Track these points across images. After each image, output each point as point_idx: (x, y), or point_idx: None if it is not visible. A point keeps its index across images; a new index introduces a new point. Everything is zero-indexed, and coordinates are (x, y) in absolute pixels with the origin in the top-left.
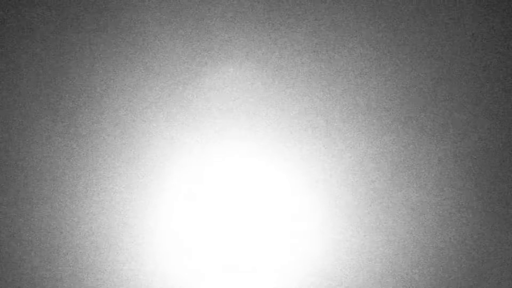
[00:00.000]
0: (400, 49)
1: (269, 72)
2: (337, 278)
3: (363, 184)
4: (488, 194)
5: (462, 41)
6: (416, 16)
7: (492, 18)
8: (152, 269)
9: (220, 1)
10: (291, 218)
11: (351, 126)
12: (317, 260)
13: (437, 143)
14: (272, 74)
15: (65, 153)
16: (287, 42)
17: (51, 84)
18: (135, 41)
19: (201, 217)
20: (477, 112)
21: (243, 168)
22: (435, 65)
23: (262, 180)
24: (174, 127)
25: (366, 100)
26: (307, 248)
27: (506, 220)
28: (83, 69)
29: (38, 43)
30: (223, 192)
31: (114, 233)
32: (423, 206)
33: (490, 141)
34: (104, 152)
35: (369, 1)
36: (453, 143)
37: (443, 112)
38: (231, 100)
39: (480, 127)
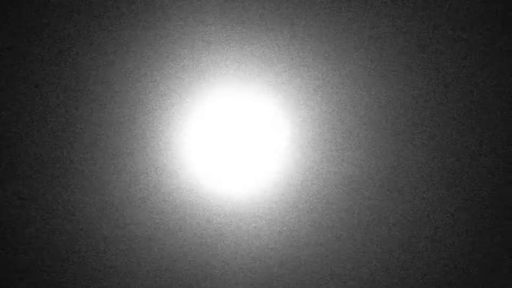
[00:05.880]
0: (404, 52)
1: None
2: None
3: (364, 186)
4: (487, 195)
5: (466, 49)
6: (425, 20)
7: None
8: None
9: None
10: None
11: (354, 128)
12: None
13: (438, 145)
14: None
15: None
16: (293, 45)
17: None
18: None
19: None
20: (479, 115)
21: None
22: (443, 69)
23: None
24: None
25: (369, 102)
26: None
27: (506, 220)
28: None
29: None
30: None
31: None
32: (423, 206)
33: (491, 144)
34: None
35: (379, 4)
36: (455, 145)
37: (444, 114)
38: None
39: (482, 130)
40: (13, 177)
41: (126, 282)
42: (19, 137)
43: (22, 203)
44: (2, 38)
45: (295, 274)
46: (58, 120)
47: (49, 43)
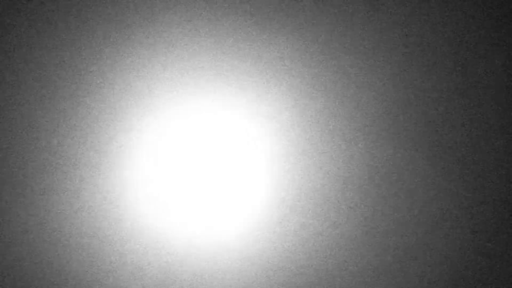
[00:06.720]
0: (402, 53)
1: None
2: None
3: (365, 186)
4: (487, 196)
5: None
6: (423, 21)
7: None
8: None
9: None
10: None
11: (353, 129)
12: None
13: (439, 146)
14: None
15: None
16: (289, 45)
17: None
18: None
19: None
20: (480, 117)
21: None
22: (441, 71)
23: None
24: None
25: (370, 105)
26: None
27: (506, 219)
28: None
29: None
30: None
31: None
32: (424, 207)
33: (490, 144)
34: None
35: (378, 5)
36: (455, 146)
37: (445, 114)
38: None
39: (482, 132)
40: None
41: None
42: None
43: None
44: None
45: None
46: None
47: None
